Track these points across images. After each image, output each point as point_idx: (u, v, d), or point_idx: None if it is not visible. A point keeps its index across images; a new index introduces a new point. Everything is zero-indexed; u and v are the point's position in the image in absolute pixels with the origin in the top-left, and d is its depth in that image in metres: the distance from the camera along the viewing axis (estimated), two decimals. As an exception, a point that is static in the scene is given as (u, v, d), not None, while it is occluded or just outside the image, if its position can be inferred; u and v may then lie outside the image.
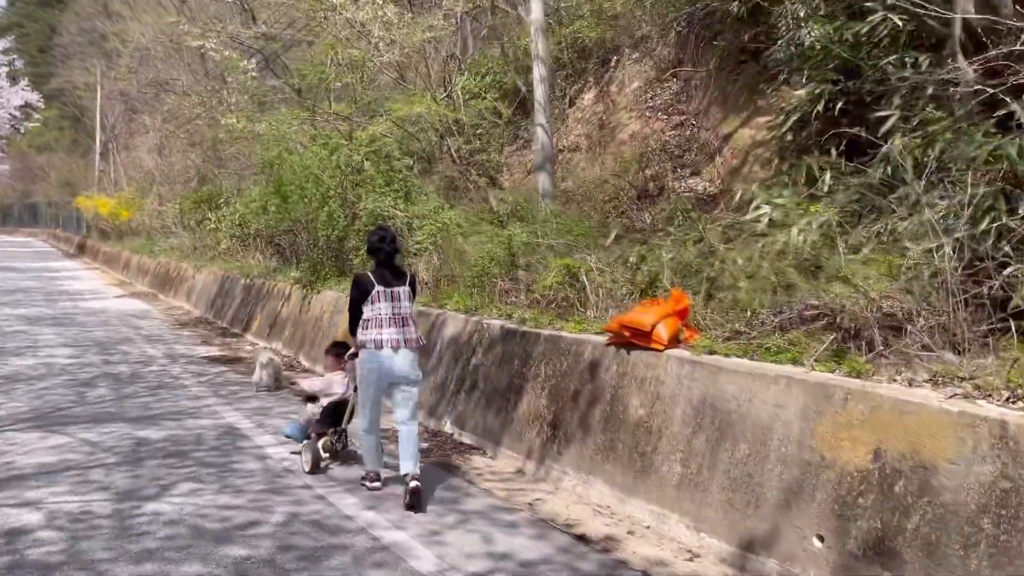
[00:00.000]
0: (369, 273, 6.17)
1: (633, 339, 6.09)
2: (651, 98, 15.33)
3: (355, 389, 6.54)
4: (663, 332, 5.93)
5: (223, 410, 9.09)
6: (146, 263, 29.06)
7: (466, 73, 15.12)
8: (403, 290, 6.18)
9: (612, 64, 17.24)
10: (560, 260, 8.02)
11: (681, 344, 5.98)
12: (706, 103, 13.76)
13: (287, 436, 7.32)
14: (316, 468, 6.64)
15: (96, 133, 50.61)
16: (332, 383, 7.08)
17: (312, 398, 7.10)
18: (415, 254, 10.55)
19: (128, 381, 10.82)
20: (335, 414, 6.92)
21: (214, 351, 13.70)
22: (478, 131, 14.85)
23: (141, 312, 19.86)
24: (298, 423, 7.22)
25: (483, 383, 7.88)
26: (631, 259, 8.32)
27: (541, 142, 11.25)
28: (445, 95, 14.37)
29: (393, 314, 6.06)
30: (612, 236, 9.45)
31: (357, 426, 6.47)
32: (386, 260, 6.21)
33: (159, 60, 35.13)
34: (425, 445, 7.67)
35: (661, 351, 5.89)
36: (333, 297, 12.09)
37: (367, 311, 6.06)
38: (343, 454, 7.02)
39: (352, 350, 6.52)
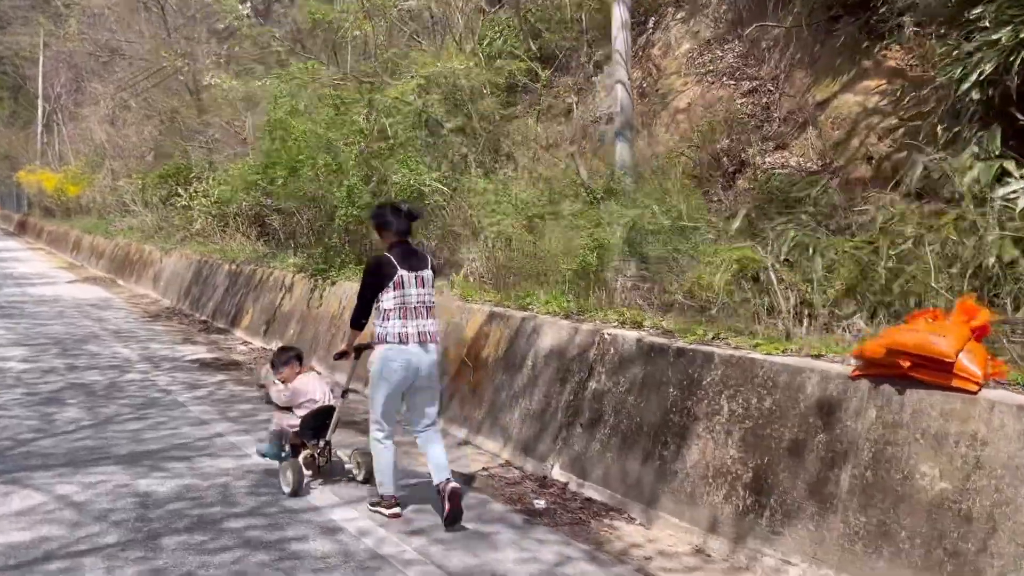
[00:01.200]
0: (388, 255, 5.12)
1: (914, 372, 4.09)
2: (709, 62, 13.33)
3: (344, 393, 5.84)
4: (971, 365, 3.94)
5: (242, 443, 6.90)
6: (100, 244, 26.37)
7: (498, 29, 12.94)
8: (428, 275, 5.26)
9: (650, 26, 15.22)
10: (726, 250, 5.98)
11: (989, 379, 4.00)
12: (785, 66, 11.80)
13: (263, 456, 6.10)
14: (300, 491, 5.59)
15: (39, 102, 47.10)
16: (303, 390, 5.93)
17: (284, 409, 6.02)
18: (478, 240, 8.42)
19: (105, 396, 8.55)
20: (317, 424, 5.86)
21: (202, 352, 11.41)
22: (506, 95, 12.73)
23: (101, 301, 17.37)
24: (271, 439, 6.06)
25: (613, 416, 5.82)
26: (784, 248, 6.38)
27: (620, 102, 9.22)
28: (477, 50, 12.21)
29: (418, 303, 5.14)
30: (739, 220, 7.47)
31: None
32: (403, 238, 5.25)
33: (113, 21, 32.14)
34: (541, 503, 5.60)
35: (975, 393, 3.90)
36: (354, 290, 9.89)
37: (388, 299, 5.06)
38: (326, 468, 5.96)
39: (342, 348, 5.65)
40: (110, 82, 35.39)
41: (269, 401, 6.29)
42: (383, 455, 5.21)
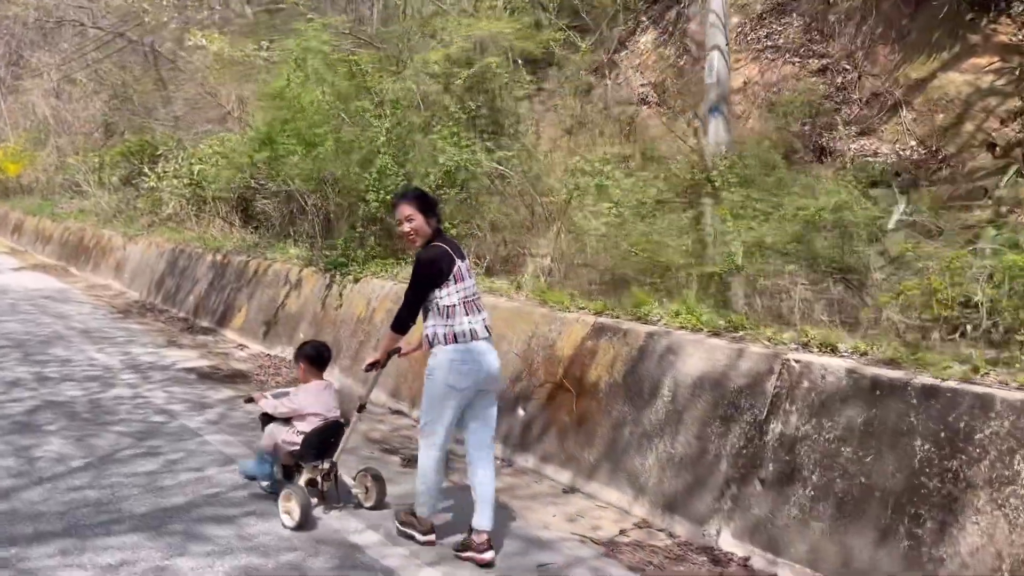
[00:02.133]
0: (444, 245, 4.55)
1: None
2: (765, 37, 11.99)
3: (360, 408, 4.94)
4: None
5: (293, 493, 5.32)
6: (47, 228, 24.16)
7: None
8: (469, 264, 4.73)
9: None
10: (952, 253, 4.58)
11: None
12: (863, 42, 10.49)
13: (247, 477, 5.25)
14: (307, 523, 4.71)
15: (-26, 74, 43.93)
16: (309, 401, 5.02)
17: (282, 422, 5.09)
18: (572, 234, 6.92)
19: (92, 420, 6.87)
20: (323, 442, 4.97)
21: (194, 358, 9.70)
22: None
23: (57, 292, 15.42)
24: (260, 455, 5.18)
25: (817, 473, 4.39)
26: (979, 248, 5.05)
27: (716, 72, 7.84)
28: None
29: (475, 295, 4.61)
30: (897, 214, 6.10)
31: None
32: (439, 227, 4.72)
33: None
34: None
35: None
36: (388, 290, 8.34)
37: (449, 295, 4.48)
38: (329, 494, 5.05)
39: (377, 357, 4.81)
40: (56, 52, 32.83)
41: (263, 418, 5.24)
42: (432, 478, 4.54)
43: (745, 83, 11.51)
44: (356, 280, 9.06)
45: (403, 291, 4.68)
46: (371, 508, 5.08)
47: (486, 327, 4.55)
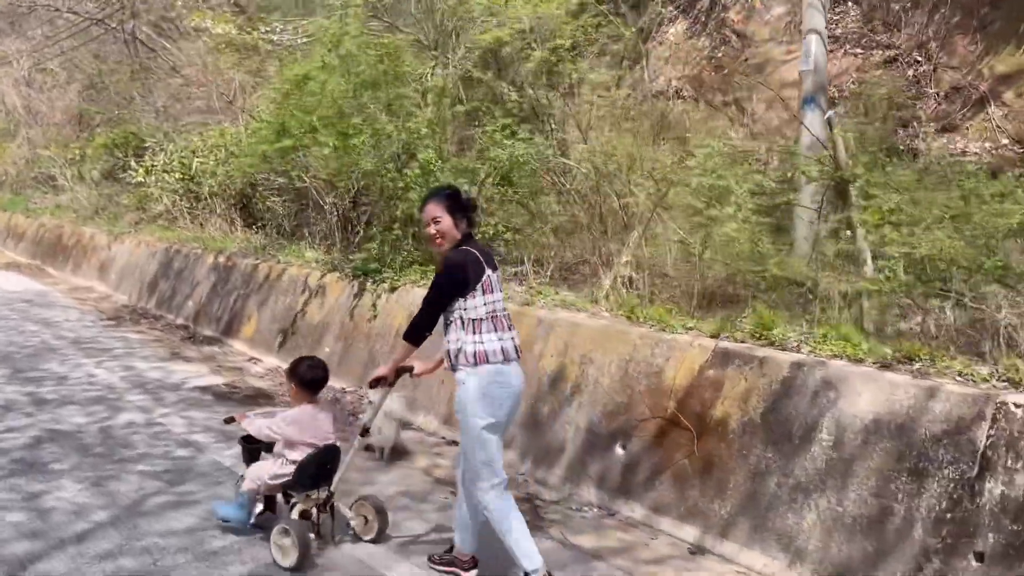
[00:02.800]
0: (473, 251, 3.98)
1: None
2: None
3: (363, 432, 4.42)
4: None
5: (374, 557, 4.37)
6: (19, 224, 22.83)
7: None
8: (499, 274, 4.14)
9: (722, -15, 12.96)
10: None
11: None
12: (937, 32, 9.69)
13: (223, 520, 4.62)
14: (306, 563, 4.13)
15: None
16: (307, 426, 4.41)
17: (264, 447, 4.58)
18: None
19: (106, 456, 5.85)
20: (319, 468, 4.39)
21: (205, 373, 8.66)
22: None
23: (37, 295, 14.23)
24: (240, 493, 4.56)
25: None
26: None
27: (814, 58, 6.94)
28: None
29: (504, 310, 4.07)
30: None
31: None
32: (476, 221, 4.29)
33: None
34: None
35: None
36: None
37: (475, 307, 3.91)
38: (327, 526, 4.48)
39: (384, 371, 4.19)
40: (27, 39, 31.32)
41: (247, 440, 4.66)
42: (508, 515, 3.91)
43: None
44: (393, 289, 8.08)
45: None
46: (371, 541, 4.52)
47: (516, 346, 4.04)
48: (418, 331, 4.03)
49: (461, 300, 3.90)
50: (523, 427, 6.13)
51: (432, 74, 8.26)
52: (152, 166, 15.24)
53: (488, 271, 3.95)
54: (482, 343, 3.88)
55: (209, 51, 14.88)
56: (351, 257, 9.05)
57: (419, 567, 4.29)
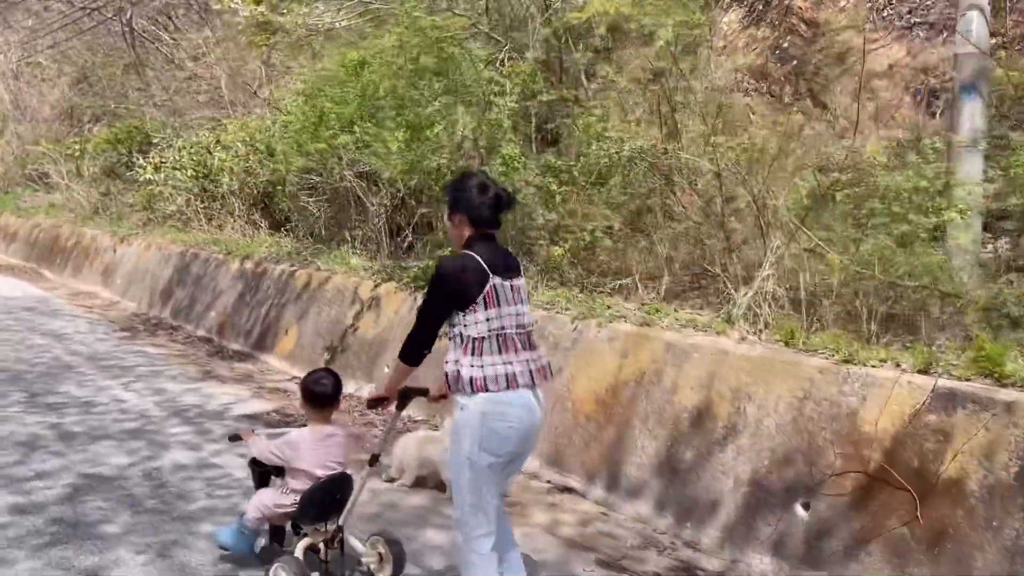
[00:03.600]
0: (475, 255, 3.30)
1: None
2: (908, 13, 10.24)
3: (372, 461, 3.75)
4: None
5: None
6: (11, 224, 21.62)
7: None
8: (523, 283, 3.47)
9: (784, -28, 12.03)
10: None
11: None
12: (1055, 18, 8.78)
13: (223, 547, 4.09)
14: None
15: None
16: (305, 452, 3.82)
17: (273, 470, 4.01)
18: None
19: (164, 513, 4.82)
20: (327, 500, 3.83)
21: (246, 397, 7.62)
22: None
23: (38, 302, 13.10)
24: (241, 521, 4.02)
25: None
26: None
27: (976, 38, 5.96)
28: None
29: (519, 326, 3.36)
30: None
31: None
32: (491, 221, 3.41)
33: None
34: None
35: None
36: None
37: (475, 322, 3.28)
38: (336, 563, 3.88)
39: (379, 394, 3.69)
40: (15, 30, 30.05)
41: (256, 462, 4.11)
42: (481, 571, 3.33)
43: (891, 66, 9.77)
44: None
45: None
46: None
47: (532, 371, 3.36)
48: (412, 350, 3.43)
49: (460, 315, 3.31)
50: (657, 473, 5.15)
51: (507, 59, 7.26)
52: (161, 163, 14.15)
53: (495, 280, 3.30)
54: (481, 367, 3.26)
55: (232, 36, 13.78)
56: (405, 265, 8.03)
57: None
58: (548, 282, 6.82)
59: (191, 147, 13.88)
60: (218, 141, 13.04)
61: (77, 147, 18.31)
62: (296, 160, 8.92)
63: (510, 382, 3.26)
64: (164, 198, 13.87)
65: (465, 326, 3.30)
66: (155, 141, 15.32)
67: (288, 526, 4.04)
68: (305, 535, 3.90)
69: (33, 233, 19.42)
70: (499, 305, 3.30)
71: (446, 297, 3.32)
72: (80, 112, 25.67)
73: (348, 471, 3.93)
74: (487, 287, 3.27)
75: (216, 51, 15.11)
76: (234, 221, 12.37)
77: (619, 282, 6.26)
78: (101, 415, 6.77)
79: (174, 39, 21.13)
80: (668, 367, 5.34)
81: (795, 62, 11.16)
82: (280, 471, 3.99)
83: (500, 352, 3.29)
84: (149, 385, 7.91)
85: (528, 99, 7.17)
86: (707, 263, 6.04)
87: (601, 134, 6.32)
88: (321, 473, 3.84)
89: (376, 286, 8.21)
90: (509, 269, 3.40)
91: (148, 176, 14.13)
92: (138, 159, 15.00)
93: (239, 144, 11.93)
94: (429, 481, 5.56)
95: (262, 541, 4.12)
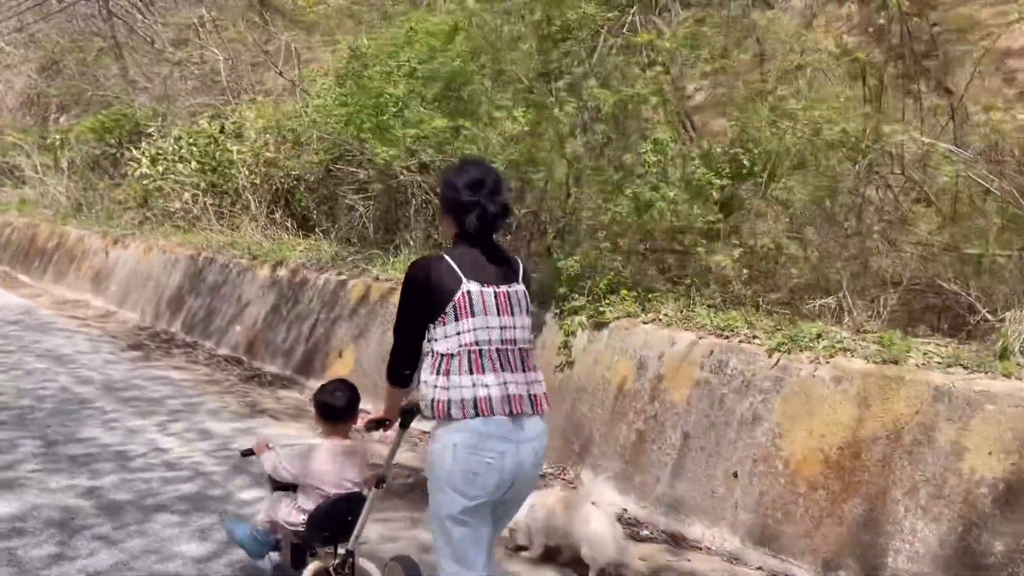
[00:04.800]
0: (447, 257, 2.87)
1: None
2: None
3: (379, 483, 3.34)
4: None
5: None
6: (-23, 222, 19.70)
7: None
8: (518, 291, 2.96)
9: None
10: None
11: None
12: None
13: (234, 537, 3.88)
14: None
15: None
16: (318, 467, 3.56)
17: (287, 486, 3.71)
18: None
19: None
20: (335, 521, 3.48)
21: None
22: None
23: (23, 313, 11.47)
24: (252, 530, 3.79)
25: None
26: None
27: None
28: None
29: (504, 341, 2.85)
30: None
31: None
32: (480, 229, 2.91)
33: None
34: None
35: None
36: (684, 347, 5.05)
37: (443, 336, 2.83)
38: None
39: (376, 416, 3.25)
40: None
41: (271, 480, 3.75)
42: None
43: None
44: (600, 324, 5.70)
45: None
46: None
47: (513, 396, 2.80)
48: (395, 368, 2.99)
49: (431, 327, 2.87)
50: (945, 567, 3.82)
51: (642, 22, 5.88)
52: (158, 154, 12.57)
53: (469, 287, 2.82)
54: (446, 388, 2.80)
55: (232, 19, 12.28)
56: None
57: None
58: (707, 300, 5.47)
59: (192, 136, 12.34)
60: (222, 129, 11.52)
61: (58, 137, 16.53)
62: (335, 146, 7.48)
63: (481, 408, 2.75)
64: (164, 194, 12.29)
65: (435, 340, 2.86)
66: (148, 131, 13.70)
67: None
68: (317, 558, 3.59)
69: (4, 232, 17.63)
70: (473, 316, 2.81)
71: (414, 306, 2.88)
72: (46, 100, 23.91)
73: (363, 491, 3.53)
74: (457, 295, 2.80)
75: (211, 32, 13.50)
76: (251, 221, 10.84)
77: (820, 302, 4.92)
78: (145, 473, 5.29)
79: (159, 20, 19.47)
80: (942, 421, 4.02)
81: (897, 40, 9.93)
82: (294, 487, 3.66)
83: (471, 372, 2.79)
84: (189, 424, 6.43)
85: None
86: (941, 279, 4.71)
87: (788, 111, 4.98)
88: (334, 492, 3.51)
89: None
90: (492, 275, 2.89)
91: (144, 170, 12.53)
92: (128, 150, 13.39)
93: (256, 133, 10.42)
94: (562, 554, 4.29)
95: (275, 557, 3.83)
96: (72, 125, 16.35)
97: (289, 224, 10.45)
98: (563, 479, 5.52)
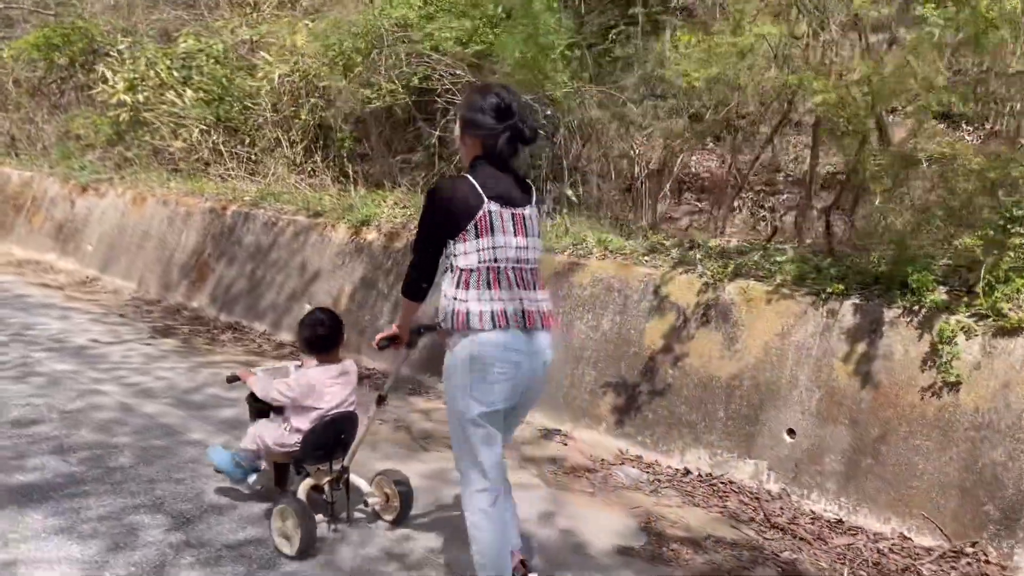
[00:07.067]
0: (469, 177, 2.93)
1: None
2: None
3: (380, 400, 3.50)
4: None
5: None
6: None
7: None
8: (532, 214, 3.06)
9: None
10: None
11: None
12: None
13: (216, 467, 3.86)
14: (310, 549, 3.39)
15: None
16: (314, 387, 3.56)
17: (271, 408, 3.76)
18: None
19: None
20: (329, 439, 3.58)
21: (537, 487, 4.24)
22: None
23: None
24: (235, 458, 3.77)
25: None
26: None
27: None
28: None
29: (519, 260, 2.96)
30: None
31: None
32: (502, 152, 2.95)
33: None
34: None
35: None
36: None
37: (463, 253, 2.90)
38: (341, 504, 3.68)
39: (388, 332, 3.26)
40: None
41: (254, 399, 3.76)
42: (483, 527, 2.95)
43: None
44: (1006, 331, 3.95)
45: None
46: (392, 522, 3.73)
47: (527, 312, 2.89)
48: (413, 282, 3.00)
49: (451, 243, 2.88)
50: None
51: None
52: (136, 79, 10.04)
53: (491, 207, 2.86)
54: (465, 301, 2.84)
55: None
56: (775, 254, 4.80)
57: (440, 550, 3.37)
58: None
59: (178, 58, 9.89)
60: (251, 48, 9.14)
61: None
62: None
63: (497, 321, 2.83)
64: (153, 130, 9.79)
65: (455, 256, 2.90)
66: (111, 51, 11.06)
67: (292, 467, 3.70)
68: (308, 475, 3.60)
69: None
70: (492, 234, 2.87)
71: (436, 223, 2.90)
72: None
73: (354, 411, 3.61)
74: (479, 213, 2.86)
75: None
76: (288, 165, 8.56)
77: None
78: (250, 537, 3.31)
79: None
80: None
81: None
82: (279, 408, 3.65)
83: (489, 287, 2.87)
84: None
85: None
86: None
87: None
88: (332, 411, 3.53)
89: (715, 282, 4.91)
90: (511, 197, 2.94)
91: (121, 96, 9.97)
92: (85, 74, 10.75)
93: (290, 54, 8.13)
94: None
95: (255, 478, 3.77)
96: (4, 41, 13.27)
97: (345, 172, 8.22)
98: (972, 555, 3.79)
